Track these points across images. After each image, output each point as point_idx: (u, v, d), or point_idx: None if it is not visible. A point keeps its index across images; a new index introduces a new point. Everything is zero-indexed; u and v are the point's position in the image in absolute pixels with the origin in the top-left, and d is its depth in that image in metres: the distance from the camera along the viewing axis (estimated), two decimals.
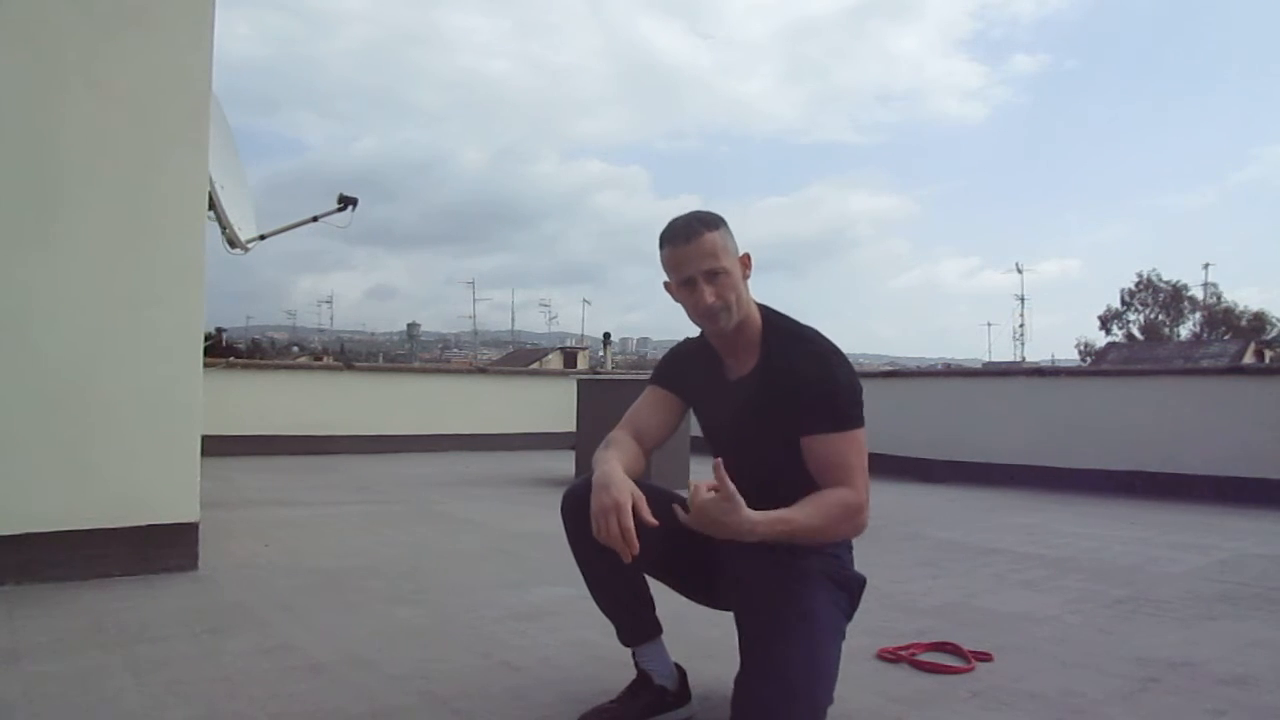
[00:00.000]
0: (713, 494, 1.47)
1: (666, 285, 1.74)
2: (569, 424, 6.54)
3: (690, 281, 1.66)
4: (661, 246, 1.69)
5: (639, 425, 1.80)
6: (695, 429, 1.97)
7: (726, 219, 1.70)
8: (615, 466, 1.59)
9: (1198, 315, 43.11)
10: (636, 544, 1.49)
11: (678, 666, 1.79)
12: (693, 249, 1.64)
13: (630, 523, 1.49)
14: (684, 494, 1.84)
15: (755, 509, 1.79)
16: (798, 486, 1.63)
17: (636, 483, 1.58)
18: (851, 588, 1.72)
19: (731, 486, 1.46)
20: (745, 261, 1.71)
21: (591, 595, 1.77)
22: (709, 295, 1.65)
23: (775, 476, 1.71)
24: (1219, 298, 42.98)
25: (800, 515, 1.55)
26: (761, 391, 1.69)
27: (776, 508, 1.73)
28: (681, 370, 1.85)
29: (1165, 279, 43.31)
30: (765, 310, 1.76)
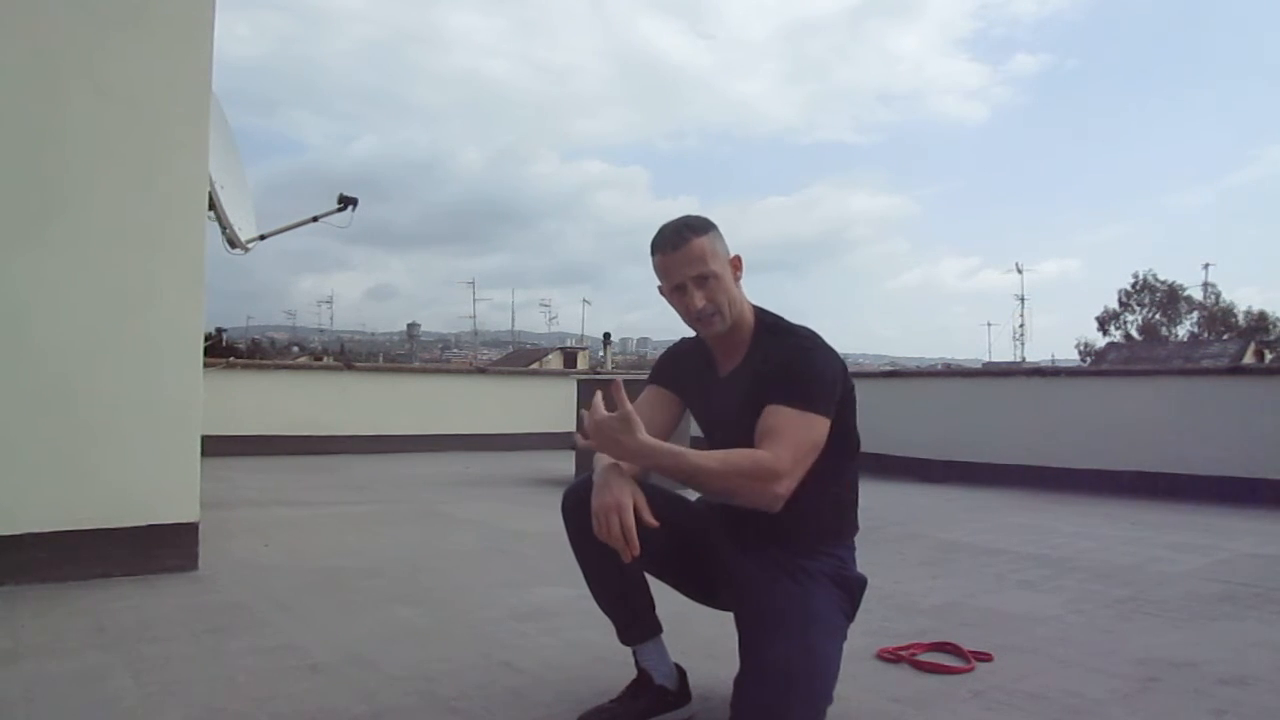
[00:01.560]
0: (612, 415, 1.50)
1: (660, 290, 1.75)
2: (569, 424, 6.54)
3: (681, 287, 1.68)
4: (652, 253, 1.71)
5: None
6: (696, 429, 1.97)
7: (720, 221, 1.71)
8: (616, 465, 1.59)
9: (1195, 315, 43.03)
10: (637, 544, 1.49)
11: (678, 666, 1.79)
12: (681, 255, 1.66)
13: (631, 522, 1.49)
14: (684, 493, 1.85)
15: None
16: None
17: (637, 482, 1.58)
18: (852, 588, 1.72)
19: (629, 407, 1.49)
20: (736, 264, 1.72)
21: (592, 594, 1.77)
22: (699, 300, 1.66)
23: None
24: (1217, 297, 42.92)
25: (698, 456, 1.54)
26: (748, 386, 1.70)
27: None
28: (677, 368, 1.86)
29: (1161, 279, 43.22)
30: (759, 311, 1.77)
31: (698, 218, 1.71)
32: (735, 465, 1.54)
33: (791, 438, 1.56)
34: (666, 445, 1.54)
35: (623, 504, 1.50)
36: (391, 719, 1.75)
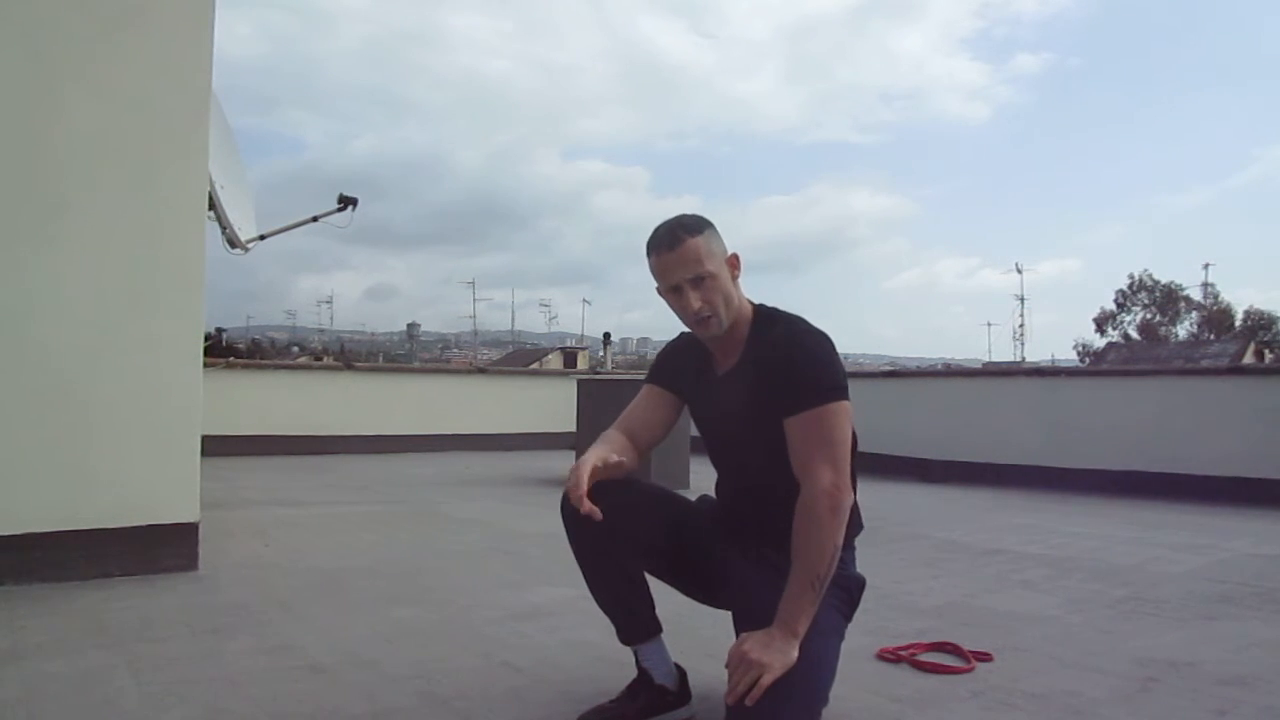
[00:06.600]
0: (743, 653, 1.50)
1: (658, 290, 1.74)
2: (569, 424, 6.54)
3: (677, 289, 1.67)
4: (648, 254, 1.69)
5: (632, 423, 1.80)
6: (696, 429, 1.97)
7: (720, 220, 1.69)
8: (588, 456, 1.63)
9: (1193, 315, 42.92)
10: (593, 508, 1.52)
11: (678, 666, 1.78)
12: (676, 256, 1.64)
13: (582, 479, 1.54)
14: (684, 493, 1.85)
15: (749, 507, 1.78)
16: (787, 481, 1.61)
17: (635, 483, 1.59)
18: (850, 588, 1.72)
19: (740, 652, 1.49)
20: (734, 262, 1.71)
21: (592, 594, 1.77)
22: (695, 301, 1.65)
23: (765, 472, 1.70)
24: (1216, 297, 42.82)
25: (795, 574, 1.52)
26: (745, 383, 1.69)
27: (770, 505, 1.71)
28: (675, 366, 1.85)
29: (1157, 279, 43.08)
30: (758, 307, 1.76)
31: (692, 217, 1.69)
32: (812, 532, 1.52)
33: (817, 447, 1.56)
34: (784, 608, 1.51)
35: (580, 467, 1.56)
36: (391, 719, 1.75)
